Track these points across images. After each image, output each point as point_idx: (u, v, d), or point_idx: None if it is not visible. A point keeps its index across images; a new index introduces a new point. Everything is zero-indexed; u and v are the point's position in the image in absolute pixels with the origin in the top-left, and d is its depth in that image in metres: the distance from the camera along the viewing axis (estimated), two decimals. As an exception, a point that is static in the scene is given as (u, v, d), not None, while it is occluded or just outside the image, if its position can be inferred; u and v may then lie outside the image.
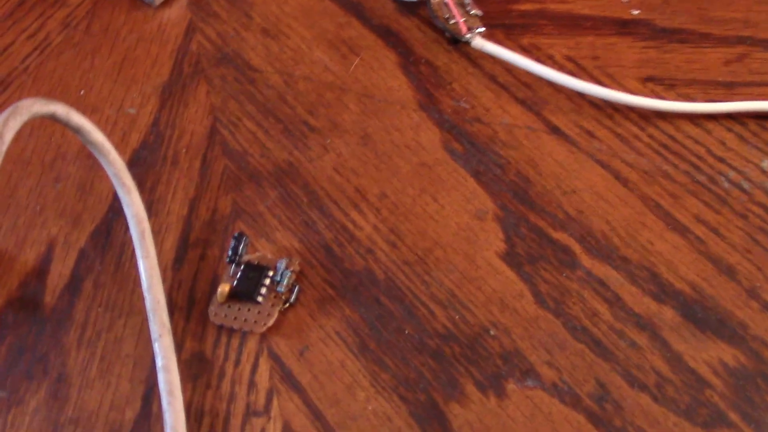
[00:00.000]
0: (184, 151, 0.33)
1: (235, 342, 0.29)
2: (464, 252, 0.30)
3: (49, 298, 0.30)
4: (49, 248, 0.31)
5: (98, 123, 0.35)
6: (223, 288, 0.29)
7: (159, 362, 0.28)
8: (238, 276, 0.29)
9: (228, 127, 0.34)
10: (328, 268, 0.30)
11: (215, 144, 0.33)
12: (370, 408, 0.27)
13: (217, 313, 0.29)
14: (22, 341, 0.29)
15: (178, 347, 0.29)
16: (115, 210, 0.32)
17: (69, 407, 0.28)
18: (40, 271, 0.31)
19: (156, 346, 0.28)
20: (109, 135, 0.34)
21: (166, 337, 0.28)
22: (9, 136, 0.26)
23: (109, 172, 0.31)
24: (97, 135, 0.30)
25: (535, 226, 0.30)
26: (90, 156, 0.33)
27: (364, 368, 0.28)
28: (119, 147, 0.34)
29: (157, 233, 0.31)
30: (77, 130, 0.30)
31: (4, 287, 0.31)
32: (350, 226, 0.31)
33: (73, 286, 0.30)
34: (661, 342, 0.27)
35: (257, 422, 0.27)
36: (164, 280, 0.30)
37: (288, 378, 0.28)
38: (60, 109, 0.29)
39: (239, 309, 0.29)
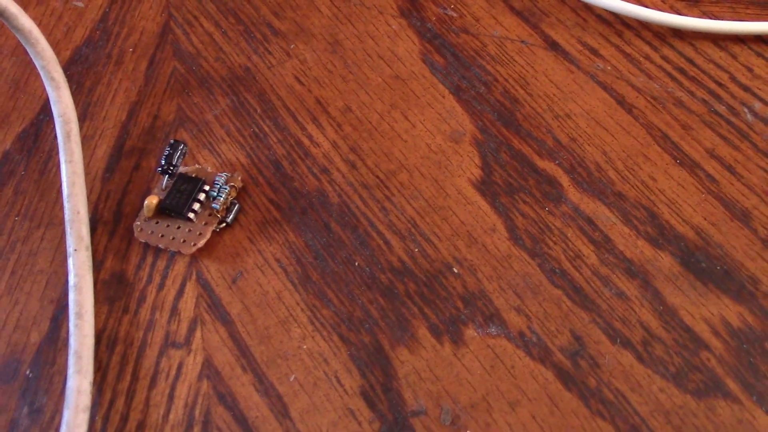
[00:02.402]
0: (130, 50, 0.29)
1: (161, 264, 0.25)
2: (433, 177, 0.25)
3: (-36, 204, 0.27)
4: (-30, 149, 0.28)
5: (41, 16, 0.31)
6: (151, 200, 0.25)
7: (71, 280, 0.24)
8: (169, 188, 0.25)
9: (182, 26, 0.30)
10: (275, 186, 0.26)
11: (166, 44, 0.29)
12: (304, 347, 0.23)
13: (143, 229, 0.25)
14: (-70, 249, 0.26)
15: (97, 266, 0.25)
16: (48, 111, 0.28)
17: None
18: (-42, 174, 0.27)
19: (69, 262, 0.24)
20: (52, 30, 0.30)
21: (82, 252, 0.25)
22: None
23: (37, 64, 0.27)
24: (24, 20, 0.26)
25: (518, 153, 0.26)
26: (25, 51, 0.30)
27: (303, 302, 0.24)
28: (61, 43, 0.30)
29: (89, 139, 0.28)
30: (3, 15, 0.26)
31: None
32: (306, 141, 0.27)
33: (-10, 191, 0.27)
34: (654, 293, 0.23)
35: (175, 354, 0.23)
36: (91, 191, 0.26)
37: (215, 307, 0.24)
38: (-22, -14, 0.25)
39: (168, 226, 0.25)
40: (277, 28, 0.29)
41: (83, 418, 0.22)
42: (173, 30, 0.30)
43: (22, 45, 0.30)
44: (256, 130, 0.27)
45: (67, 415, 0.22)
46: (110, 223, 0.26)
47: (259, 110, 0.27)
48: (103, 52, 0.29)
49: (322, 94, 0.28)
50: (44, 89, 0.29)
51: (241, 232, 0.25)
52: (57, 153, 0.27)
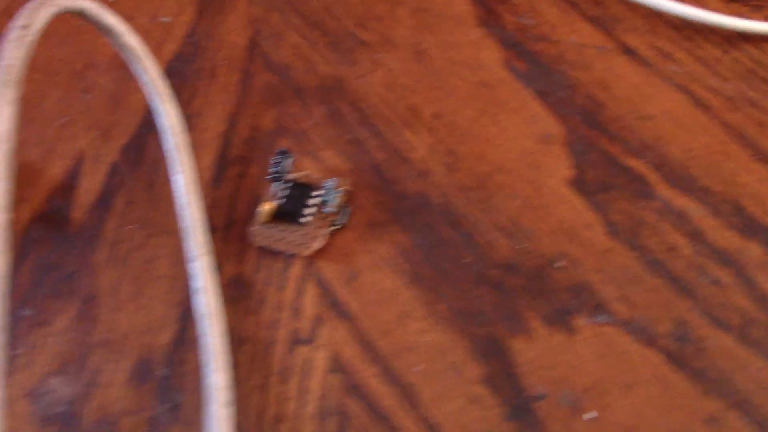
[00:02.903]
0: (222, 63, 0.31)
1: (277, 266, 0.26)
2: (528, 178, 0.27)
3: (78, 214, 0.28)
4: (77, 162, 0.29)
5: (130, 32, 0.32)
6: (266, 207, 0.26)
7: (197, 284, 0.26)
8: (282, 195, 0.27)
9: (270, 40, 0.31)
10: (379, 190, 0.27)
11: (256, 57, 0.31)
12: (425, 340, 0.25)
13: (259, 234, 0.27)
14: (48, 258, 0.27)
15: (216, 270, 0.26)
16: (149, 124, 0.30)
17: (99, 329, 0.26)
18: (69, 186, 0.29)
19: (193, 267, 0.26)
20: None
21: (205, 257, 0.26)
22: (38, 25, 0.23)
23: (143, 79, 0.28)
24: (129, 38, 0.28)
25: (606, 153, 0.27)
26: (122, 66, 0.31)
27: (418, 298, 0.25)
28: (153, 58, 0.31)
29: (193, 149, 0.29)
30: (108, 32, 0.27)
31: (31, 202, 0.28)
32: (403, 146, 0.28)
33: (104, 202, 0.28)
34: (747, 280, 0.25)
35: (303, 351, 0.25)
36: (201, 200, 0.28)
37: (336, 305, 0.26)
38: (90, 7, 0.26)
39: (283, 230, 0.27)
40: (363, 39, 0.31)
41: (227, 413, 0.23)
42: (260, 44, 0.31)
43: (115, 60, 0.31)
44: (354, 137, 0.29)
45: (212, 410, 0.23)
46: (222, 230, 0.27)
47: (354, 118, 0.29)
48: (195, 66, 0.31)
49: (412, 101, 0.29)
50: (142, 103, 0.30)
51: (351, 234, 0.27)
52: (162, 164, 0.29)
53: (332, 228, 0.27)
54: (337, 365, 0.25)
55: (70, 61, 0.32)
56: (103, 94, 0.30)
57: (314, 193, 0.27)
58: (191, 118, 0.30)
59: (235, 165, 0.28)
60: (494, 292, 0.25)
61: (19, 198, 0.28)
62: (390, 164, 0.28)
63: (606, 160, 0.27)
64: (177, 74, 0.31)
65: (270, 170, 0.27)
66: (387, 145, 0.28)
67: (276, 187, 0.27)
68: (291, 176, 0.27)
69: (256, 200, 0.28)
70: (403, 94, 0.29)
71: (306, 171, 0.28)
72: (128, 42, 0.28)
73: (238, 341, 0.25)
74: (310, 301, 0.26)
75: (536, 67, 0.29)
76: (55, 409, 0.25)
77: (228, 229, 0.27)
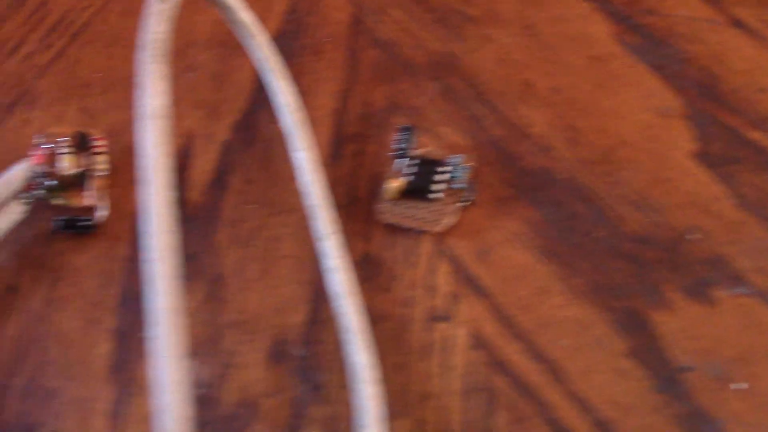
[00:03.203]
0: (327, 40, 0.30)
1: (407, 243, 0.26)
2: (651, 151, 0.27)
3: (194, 195, 0.27)
4: (187, 142, 0.29)
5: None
6: (394, 183, 0.26)
7: (330, 263, 0.25)
8: (409, 171, 0.26)
9: (373, 16, 0.31)
10: (503, 166, 0.27)
11: (361, 33, 0.30)
12: (565, 314, 0.25)
13: (388, 212, 0.26)
14: (167, 240, 0.27)
15: (346, 249, 0.26)
16: (257, 101, 0.29)
17: (230, 310, 0.25)
18: (181, 166, 0.28)
19: (325, 246, 0.25)
20: (241, 22, 0.31)
21: (336, 236, 0.26)
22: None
23: (256, 56, 0.28)
24: (244, 14, 0.27)
25: (728, 126, 0.27)
26: (222, 43, 0.30)
27: (554, 273, 0.25)
28: (253, 35, 0.31)
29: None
30: (222, 7, 0.27)
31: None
32: (521, 122, 0.28)
33: (219, 181, 0.28)
34: None
35: (441, 327, 0.25)
36: (321, 177, 0.27)
37: (470, 281, 0.25)
38: (213, -19, 0.26)
39: (412, 207, 0.26)
40: (470, 15, 0.30)
41: (375, 391, 0.23)
42: (365, 19, 0.31)
43: (214, 37, 0.31)
44: (471, 113, 0.28)
45: (359, 388, 0.23)
46: (345, 208, 0.27)
47: (469, 94, 0.29)
48: (300, 43, 0.30)
49: (526, 76, 0.29)
50: (248, 80, 0.30)
51: (479, 210, 0.27)
52: (276, 141, 0.28)
53: (461, 204, 0.26)
54: (479, 342, 0.25)
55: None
56: (207, 72, 0.30)
57: (441, 169, 0.26)
58: (301, 96, 0.29)
59: (351, 142, 0.28)
60: (630, 265, 0.25)
61: (131, 179, 0.28)
62: (510, 140, 0.28)
63: (728, 132, 0.27)
64: (283, 51, 0.30)
65: (394, 146, 0.27)
66: (505, 120, 0.28)
67: (401, 164, 0.27)
68: (415, 152, 0.27)
69: (377, 177, 0.27)
70: (516, 69, 0.29)
71: (428, 147, 0.28)
72: (242, 18, 0.27)
73: (373, 319, 0.25)
74: (443, 278, 0.26)
75: (648, 40, 0.29)
76: (194, 391, 0.24)
77: (351, 206, 0.27)
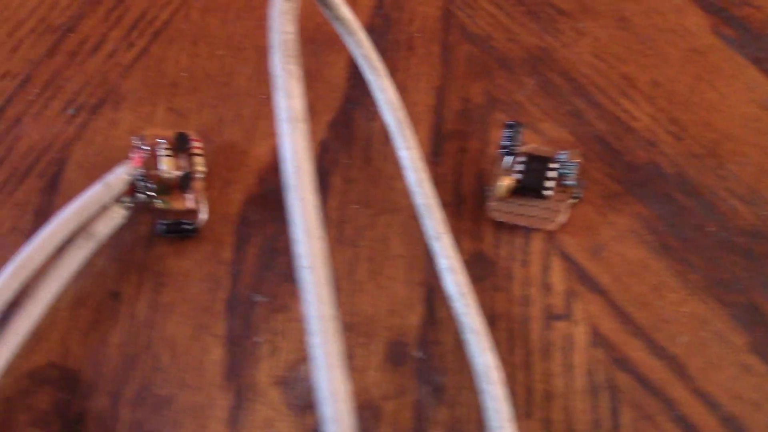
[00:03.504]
0: (418, 35, 0.30)
1: (517, 241, 0.26)
2: (757, 144, 0.27)
3: (295, 195, 0.27)
4: (283, 141, 0.28)
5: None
6: (505, 181, 0.26)
7: (442, 263, 0.25)
8: (518, 168, 0.26)
9: (464, 10, 0.30)
10: (608, 161, 0.27)
11: (452, 28, 0.30)
12: (683, 310, 0.24)
13: (498, 209, 0.26)
14: (272, 242, 0.26)
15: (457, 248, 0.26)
16: (352, 99, 0.29)
17: (341, 312, 0.25)
18: (278, 165, 0.28)
19: (437, 246, 0.25)
20: (328, 18, 0.31)
21: (447, 236, 0.25)
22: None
23: (356, 53, 0.27)
24: (345, 10, 0.27)
25: (833, 117, 0.27)
26: (311, 40, 0.30)
27: (670, 268, 0.25)
28: (341, 31, 0.30)
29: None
30: (325, 4, 0.26)
31: (241, 184, 0.27)
32: (624, 116, 0.28)
33: (320, 181, 0.27)
34: None
35: (560, 326, 0.25)
36: (424, 175, 0.27)
37: (586, 279, 0.25)
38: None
39: (523, 204, 0.26)
40: (561, 8, 0.30)
41: (503, 392, 0.23)
42: (455, 14, 0.30)
43: (303, 35, 0.30)
44: (571, 108, 0.28)
45: (487, 389, 0.23)
46: (452, 206, 0.27)
47: (568, 89, 0.28)
48: (390, 39, 0.30)
49: (625, 69, 0.29)
50: (341, 77, 0.29)
51: (588, 207, 0.26)
52: (375, 140, 0.28)
53: (572, 201, 0.26)
54: (598, 339, 0.24)
55: (252, 35, 0.30)
56: (298, 70, 0.29)
57: (552, 166, 0.26)
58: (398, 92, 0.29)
59: (452, 139, 0.28)
60: (744, 259, 0.25)
61: (227, 180, 0.27)
62: (614, 134, 0.27)
63: (834, 124, 0.27)
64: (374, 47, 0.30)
65: (502, 143, 0.26)
66: (607, 114, 0.28)
67: (509, 161, 0.26)
68: (522, 149, 0.27)
69: (482, 175, 0.27)
70: (614, 62, 0.29)
71: (532, 144, 0.27)
72: (344, 14, 0.27)
73: (491, 318, 0.25)
74: (558, 276, 0.25)
75: (745, 33, 0.29)
76: (311, 396, 0.24)
77: (459, 205, 0.27)
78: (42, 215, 0.27)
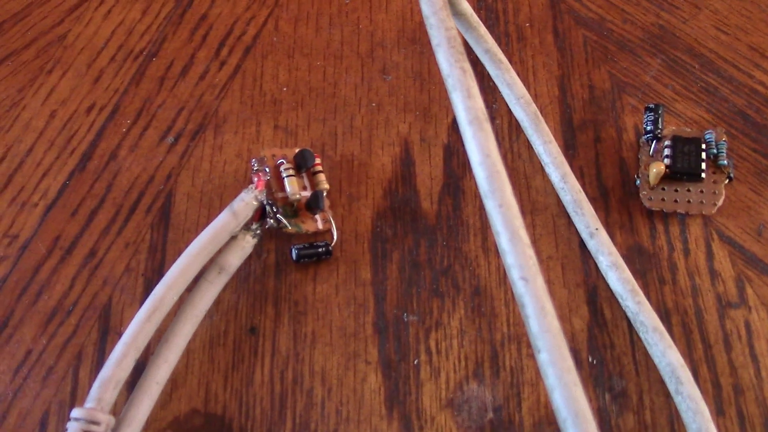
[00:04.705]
0: (527, 25, 0.29)
1: (674, 229, 0.25)
2: None
3: (427, 204, 0.26)
4: (404, 148, 0.27)
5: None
6: (655, 168, 0.24)
7: (603, 260, 0.24)
8: (667, 153, 0.25)
9: (570, -6, 0.29)
10: (753, 137, 0.26)
11: (562, 13, 0.29)
12: None
13: (652, 198, 0.25)
14: (414, 256, 0.25)
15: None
16: (470, 98, 0.27)
17: (497, 324, 0.24)
18: (404, 175, 0.26)
19: (592, 243, 0.24)
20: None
21: (603, 231, 0.24)
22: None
23: (479, 49, 0.26)
24: (465, 5, 0.25)
25: None
26: (413, 40, 0.29)
27: (839, 243, 0.24)
28: (444, 28, 0.29)
29: (533, 119, 0.27)
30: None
31: (368, 198, 0.26)
32: (760, 88, 0.26)
33: (452, 186, 0.26)
34: None
35: (735, 314, 0.23)
36: (561, 170, 0.26)
37: (754, 262, 0.24)
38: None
39: (676, 190, 0.25)
40: (673, -18, 0.29)
41: (696, 391, 0.22)
42: (561, -1, 0.29)
43: (402, 35, 0.29)
44: (703, 84, 0.27)
45: (679, 390, 0.22)
46: (599, 199, 0.25)
47: (695, 65, 0.27)
48: (499, 30, 0.29)
49: (752, 40, 0.27)
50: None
51: (741, 185, 0.25)
52: (505, 139, 0.26)
53: (726, 181, 0.25)
54: (780, 324, 0.23)
55: (350, 42, 0.29)
56: (405, 73, 0.28)
57: (702, 147, 0.25)
58: (515, 87, 0.27)
59: (584, 129, 0.26)
60: None
61: (352, 196, 0.26)
62: (754, 108, 0.26)
63: None
64: (482, 42, 0.28)
65: (646, 128, 0.25)
66: (742, 88, 0.27)
67: (654, 147, 0.25)
68: (665, 132, 0.25)
69: (623, 164, 0.26)
70: (738, 34, 0.28)
71: (671, 126, 0.26)
72: (464, 9, 0.25)
73: (663, 313, 0.24)
74: (724, 262, 0.24)
75: None
76: (484, 417, 0.23)
77: (605, 197, 0.25)
78: (157, 252, 0.25)
